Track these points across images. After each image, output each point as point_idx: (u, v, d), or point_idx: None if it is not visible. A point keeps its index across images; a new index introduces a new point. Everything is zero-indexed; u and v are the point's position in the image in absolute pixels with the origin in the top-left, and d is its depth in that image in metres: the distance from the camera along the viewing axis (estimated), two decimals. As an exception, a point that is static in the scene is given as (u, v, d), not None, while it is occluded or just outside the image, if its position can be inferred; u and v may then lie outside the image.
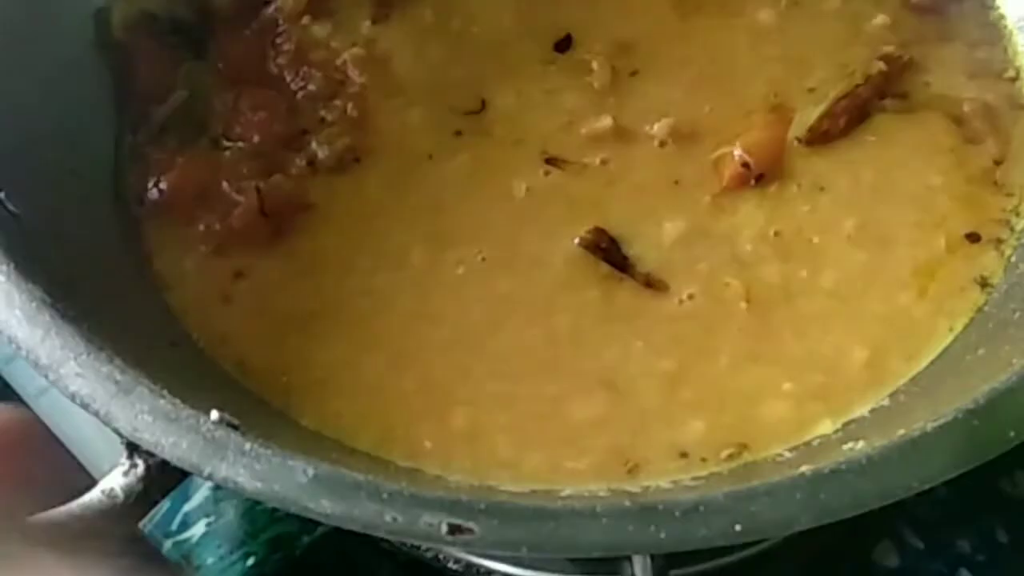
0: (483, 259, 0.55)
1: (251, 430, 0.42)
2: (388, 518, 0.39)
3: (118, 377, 0.42)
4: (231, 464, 0.41)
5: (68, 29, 0.59)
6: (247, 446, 0.41)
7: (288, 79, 0.61)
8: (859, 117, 0.58)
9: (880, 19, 0.61)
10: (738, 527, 0.39)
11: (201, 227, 0.56)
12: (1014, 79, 0.60)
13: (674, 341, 0.52)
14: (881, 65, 0.59)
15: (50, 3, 0.58)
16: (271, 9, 0.63)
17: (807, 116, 0.58)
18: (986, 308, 0.52)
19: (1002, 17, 0.62)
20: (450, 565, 0.58)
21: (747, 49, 0.61)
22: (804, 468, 0.40)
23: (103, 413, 0.42)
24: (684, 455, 0.49)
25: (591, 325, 0.52)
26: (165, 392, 0.42)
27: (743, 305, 0.53)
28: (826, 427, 0.49)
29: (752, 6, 0.62)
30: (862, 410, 0.50)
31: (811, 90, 0.59)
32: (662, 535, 0.39)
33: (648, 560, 0.49)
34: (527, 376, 0.51)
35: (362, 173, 0.58)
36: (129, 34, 0.61)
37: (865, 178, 0.56)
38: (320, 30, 0.62)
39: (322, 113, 0.60)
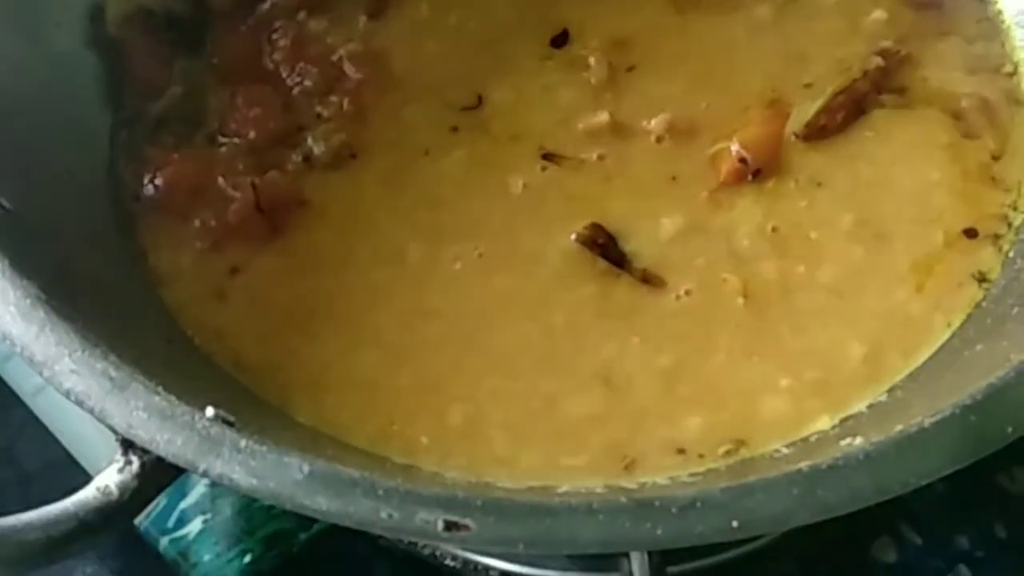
0: (480, 255, 0.54)
1: (246, 427, 0.42)
2: (384, 515, 0.39)
3: (113, 374, 0.42)
4: (226, 461, 0.40)
5: (63, 25, 0.59)
6: (242, 443, 0.41)
7: (284, 75, 0.60)
8: (856, 113, 0.58)
9: (877, 14, 0.61)
10: (735, 523, 0.39)
11: (196, 223, 0.56)
12: (1012, 74, 0.60)
13: (671, 337, 0.52)
14: (878, 60, 0.59)
15: (45, 0, 0.58)
16: (267, 5, 0.63)
17: (804, 112, 0.58)
18: (984, 304, 0.52)
19: (1000, 12, 0.62)
20: (447, 562, 0.58)
21: (744, 44, 0.61)
22: (801, 464, 0.40)
23: (98, 410, 0.42)
24: (681, 451, 0.49)
25: (588, 321, 0.52)
26: (160, 389, 0.42)
27: (740, 301, 0.52)
28: (824, 423, 0.49)
29: (750, 1, 0.62)
30: (860, 406, 0.49)
31: (808, 85, 0.59)
32: (659, 531, 0.39)
33: (645, 556, 0.49)
34: (523, 372, 0.51)
35: (358, 169, 0.58)
36: (124, 30, 0.61)
37: (862, 174, 0.56)
38: (316, 25, 0.62)
39: (318, 109, 0.59)
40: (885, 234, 0.54)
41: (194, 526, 0.59)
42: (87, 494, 0.42)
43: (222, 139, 0.59)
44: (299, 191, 0.57)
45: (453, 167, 0.58)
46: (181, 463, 0.41)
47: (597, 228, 0.54)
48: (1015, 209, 0.55)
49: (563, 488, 0.47)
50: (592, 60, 0.60)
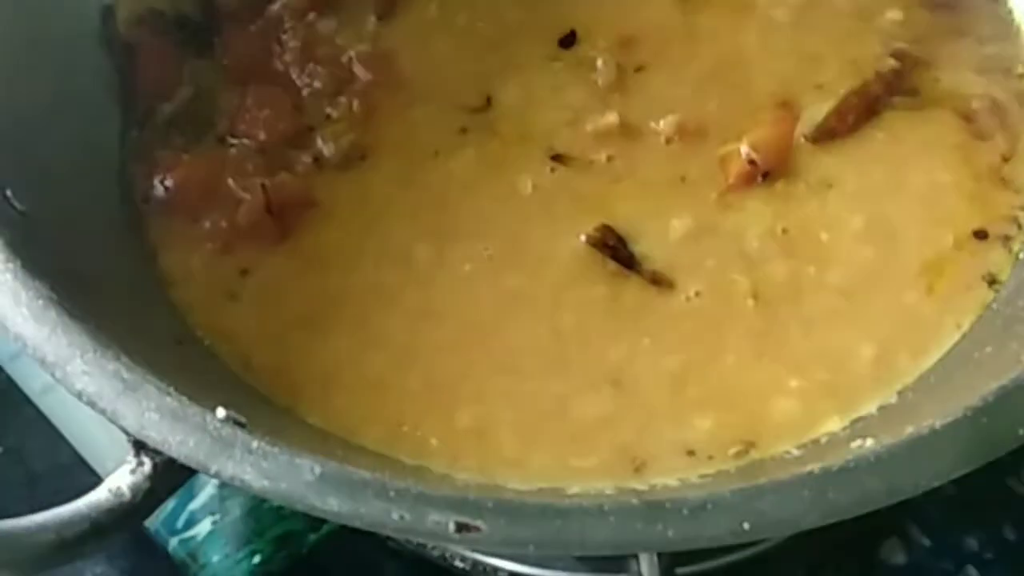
0: (489, 256, 0.54)
1: (258, 428, 0.42)
2: (395, 516, 0.39)
3: (124, 375, 0.42)
4: (238, 462, 0.40)
5: (75, 27, 0.59)
6: (254, 444, 0.41)
7: (294, 76, 0.60)
8: (867, 115, 0.58)
9: (893, 14, 0.61)
10: (746, 525, 0.39)
11: (207, 225, 0.56)
12: (1023, 76, 0.60)
13: (681, 339, 0.52)
14: (892, 63, 0.59)
15: (57, 1, 0.58)
16: (277, 6, 0.63)
17: (815, 113, 0.57)
18: (994, 305, 0.52)
19: (1011, 12, 0.62)
20: (456, 563, 0.58)
21: (755, 45, 0.61)
22: (812, 466, 0.40)
23: (110, 411, 0.42)
24: (691, 453, 0.49)
25: (598, 322, 0.52)
26: (171, 390, 0.42)
27: (750, 302, 0.52)
28: (834, 424, 0.49)
29: (764, 2, 0.62)
30: (870, 407, 0.49)
31: (819, 87, 0.59)
32: (670, 533, 0.39)
33: (655, 558, 0.49)
34: (533, 374, 0.51)
35: (368, 170, 0.58)
36: (135, 31, 0.61)
37: (873, 175, 0.56)
38: (326, 27, 0.62)
39: (328, 110, 0.60)
40: (895, 235, 0.54)
41: (203, 527, 0.59)
42: (99, 495, 0.43)
43: (232, 140, 0.59)
44: (309, 192, 0.57)
45: (462, 168, 0.58)
46: (193, 464, 0.41)
47: (607, 229, 0.54)
48: (1025, 210, 0.55)
49: (573, 490, 0.47)
50: (600, 61, 0.60)
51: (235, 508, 0.59)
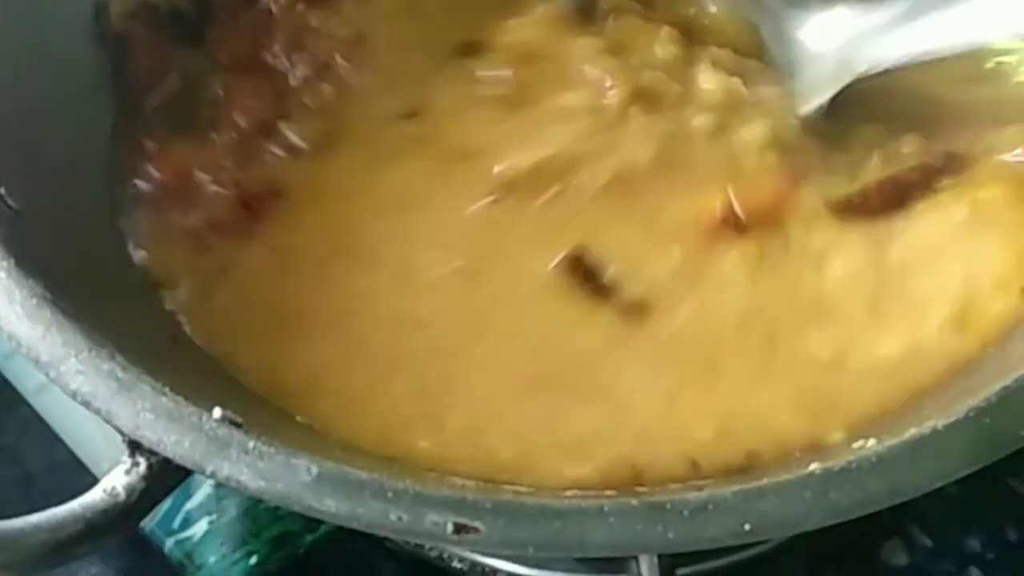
0: (458, 265, 0.52)
1: (254, 428, 0.41)
2: (393, 517, 0.39)
3: (119, 374, 0.42)
4: (234, 462, 0.40)
5: (67, 22, 0.59)
6: (250, 444, 0.40)
7: (282, 68, 0.60)
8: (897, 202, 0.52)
9: None
10: (747, 526, 0.39)
11: (188, 220, 0.54)
12: None
13: (671, 361, 0.49)
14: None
15: (51, -3, 0.58)
16: (267, -2, 0.62)
17: (830, 187, 0.53)
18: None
19: None
20: (454, 563, 0.58)
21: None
22: (813, 467, 0.40)
23: (104, 411, 0.41)
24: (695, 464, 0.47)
25: (579, 340, 0.50)
26: (167, 390, 0.42)
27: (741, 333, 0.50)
28: (837, 438, 0.47)
29: None
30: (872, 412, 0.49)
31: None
32: (670, 534, 0.38)
33: (655, 559, 0.49)
34: (518, 386, 0.49)
35: (334, 162, 0.56)
36: (127, 24, 0.61)
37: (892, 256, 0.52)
38: (315, 18, 0.61)
39: (306, 100, 0.58)
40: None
41: (199, 527, 0.59)
42: (94, 496, 0.42)
43: (217, 131, 0.58)
44: (280, 182, 0.55)
45: (411, 174, 0.56)
46: (189, 465, 0.41)
47: (580, 255, 0.52)
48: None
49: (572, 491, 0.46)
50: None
51: (232, 508, 0.59)
